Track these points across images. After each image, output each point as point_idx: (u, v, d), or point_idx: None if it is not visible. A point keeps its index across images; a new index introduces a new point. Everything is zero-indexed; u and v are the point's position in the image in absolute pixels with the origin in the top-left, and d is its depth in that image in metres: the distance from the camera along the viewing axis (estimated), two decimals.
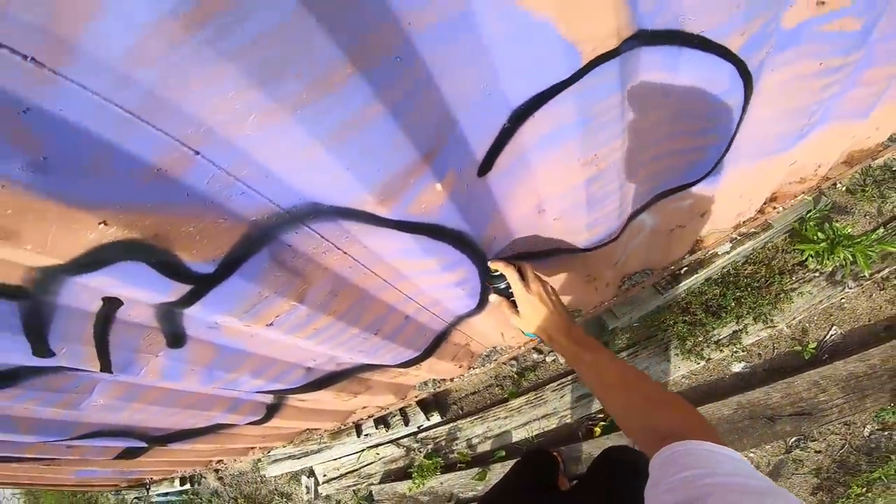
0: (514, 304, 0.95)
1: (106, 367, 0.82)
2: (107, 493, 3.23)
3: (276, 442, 2.03)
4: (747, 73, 0.87)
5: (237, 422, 1.47)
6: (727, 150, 1.07)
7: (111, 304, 0.69)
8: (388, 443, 2.18)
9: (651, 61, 0.75)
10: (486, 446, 2.04)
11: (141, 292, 0.62)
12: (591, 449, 1.83)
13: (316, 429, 1.97)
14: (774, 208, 1.53)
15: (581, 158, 0.83)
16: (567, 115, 0.72)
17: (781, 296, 1.82)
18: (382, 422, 2.07)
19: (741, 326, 1.84)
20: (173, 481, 2.82)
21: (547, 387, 1.97)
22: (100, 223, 0.49)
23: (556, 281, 1.31)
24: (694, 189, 1.17)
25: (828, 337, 1.79)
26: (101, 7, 0.36)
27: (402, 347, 1.16)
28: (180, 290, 0.63)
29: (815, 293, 1.80)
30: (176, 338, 0.84)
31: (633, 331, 1.95)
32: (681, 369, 1.86)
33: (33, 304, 0.64)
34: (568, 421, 1.94)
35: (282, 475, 2.58)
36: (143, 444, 1.52)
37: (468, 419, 2.06)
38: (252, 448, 2.17)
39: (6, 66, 0.37)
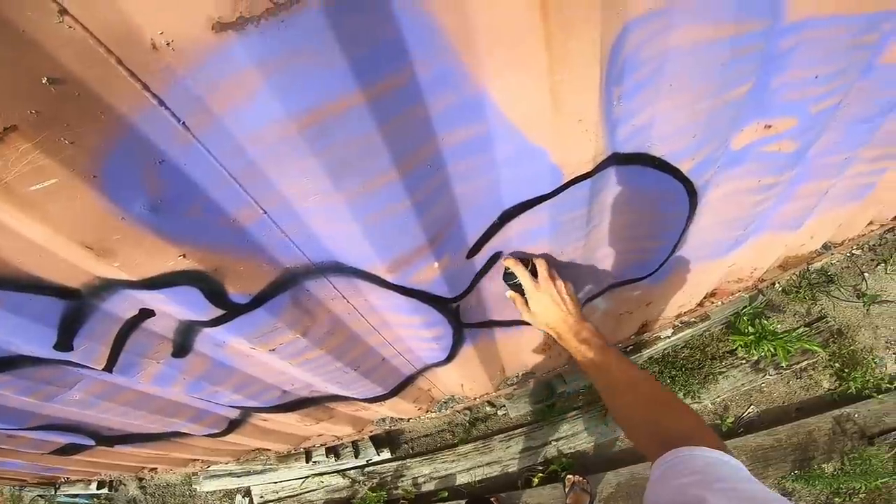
0: (527, 301, 0.96)
1: (109, 366, 0.90)
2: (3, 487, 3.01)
3: (222, 457, 2.03)
4: (694, 191, 1.05)
5: (195, 432, 1.51)
6: (672, 253, 1.28)
7: (144, 315, 0.80)
8: (334, 472, 2.22)
9: (619, 178, 0.93)
10: (430, 486, 2.12)
11: (183, 310, 0.74)
12: (528, 498, 1.95)
13: (267, 449, 2.00)
14: (713, 302, 1.78)
15: (549, 259, 1.01)
16: (542, 221, 0.90)
17: (710, 377, 2.06)
18: (333, 451, 2.12)
19: None
20: (90, 483, 2.68)
21: (495, 437, 2.10)
22: (180, 255, 0.62)
23: (519, 345, 1.47)
24: (642, 282, 1.38)
25: (745, 414, 2.05)
26: (254, 98, 0.50)
27: (373, 384, 1.28)
28: (215, 313, 0.75)
29: (740, 377, 2.05)
30: (182, 349, 0.93)
31: (579, 396, 2.13)
32: (616, 432, 2.05)
33: (79, 306, 0.74)
34: (510, 470, 2.06)
35: (215, 492, 2.53)
36: (90, 443, 1.51)
37: (417, 458, 2.14)
38: (194, 460, 2.15)
39: (162, 125, 0.50)
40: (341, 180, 0.62)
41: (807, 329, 2.07)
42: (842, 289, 2.13)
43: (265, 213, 0.66)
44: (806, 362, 2.03)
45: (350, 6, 0.47)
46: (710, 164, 1.00)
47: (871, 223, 1.72)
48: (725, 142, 0.97)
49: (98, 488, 2.68)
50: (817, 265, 2.12)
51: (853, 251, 2.13)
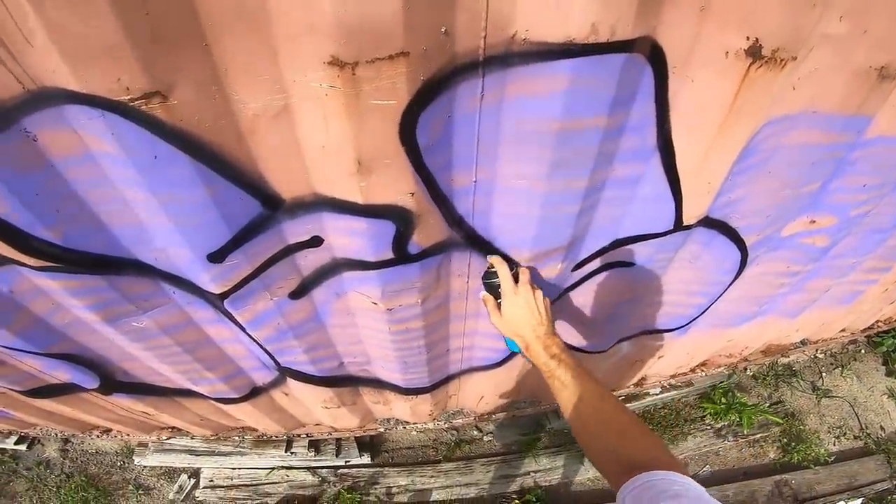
0: (499, 306, 0.94)
1: (230, 292, 0.92)
2: None
3: (202, 430, 1.93)
4: (745, 262, 1.23)
5: (211, 394, 1.45)
6: (702, 313, 1.47)
7: (309, 243, 0.85)
8: (305, 468, 2.15)
9: (701, 236, 1.09)
10: (403, 498, 2.11)
11: (364, 244, 0.81)
12: None
13: (254, 430, 1.93)
14: (702, 371, 1.99)
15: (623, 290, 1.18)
16: (639, 255, 1.07)
17: (680, 436, 2.27)
18: (314, 446, 2.08)
19: None
20: (8, 437, 2.38)
21: (478, 460, 2.16)
22: (410, 192, 0.73)
23: None
24: (668, 335, 1.55)
25: (701, 471, 2.29)
26: (545, 97, 0.64)
27: (426, 373, 1.34)
28: (386, 255, 0.84)
29: (703, 440, 2.29)
30: (304, 290, 0.97)
31: (564, 434, 2.24)
32: (588, 473, 2.20)
33: (267, 217, 0.77)
34: (486, 494, 2.11)
35: (157, 467, 2.33)
36: (92, 385, 1.40)
37: (396, 468, 2.14)
38: (165, 428, 2.02)
39: (470, 92, 0.63)
40: (554, 174, 0.75)
41: (766, 408, 2.38)
42: (801, 381, 2.48)
43: (475, 182, 0.77)
44: (760, 435, 2.32)
45: (632, 63, 0.63)
46: (765, 243, 1.20)
47: (843, 330, 2.03)
48: (782, 227, 1.18)
49: (17, 443, 2.40)
50: (786, 360, 2.43)
51: (817, 354, 2.48)
